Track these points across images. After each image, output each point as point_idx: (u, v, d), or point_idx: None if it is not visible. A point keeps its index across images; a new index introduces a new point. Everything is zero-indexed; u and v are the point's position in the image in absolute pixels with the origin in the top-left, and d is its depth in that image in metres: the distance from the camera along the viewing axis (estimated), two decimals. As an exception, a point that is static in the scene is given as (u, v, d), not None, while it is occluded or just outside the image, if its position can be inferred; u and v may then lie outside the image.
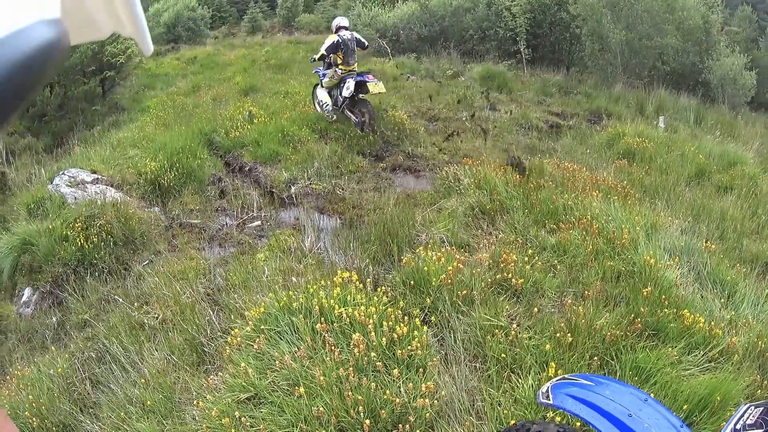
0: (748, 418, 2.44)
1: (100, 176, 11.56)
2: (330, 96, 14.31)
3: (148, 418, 5.61)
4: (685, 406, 4.77)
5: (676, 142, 14.69)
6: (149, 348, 6.64)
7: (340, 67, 13.68)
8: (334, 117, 14.35)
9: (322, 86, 14.48)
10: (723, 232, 9.55)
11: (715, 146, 14.73)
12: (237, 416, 4.91)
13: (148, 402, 5.68)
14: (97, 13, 1.06)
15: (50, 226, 9.48)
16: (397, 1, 31.20)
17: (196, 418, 5.28)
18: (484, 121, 15.92)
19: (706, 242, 8.40)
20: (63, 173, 11.50)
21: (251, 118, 14.88)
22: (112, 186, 11.20)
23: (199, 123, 15.39)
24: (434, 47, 27.80)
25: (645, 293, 6.45)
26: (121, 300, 7.95)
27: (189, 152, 12.65)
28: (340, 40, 13.42)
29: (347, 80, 13.45)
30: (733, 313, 6.81)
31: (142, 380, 6.05)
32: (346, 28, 13.86)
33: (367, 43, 14.67)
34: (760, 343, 6.10)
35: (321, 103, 14.45)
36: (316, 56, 13.98)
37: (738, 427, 2.42)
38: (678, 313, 6.14)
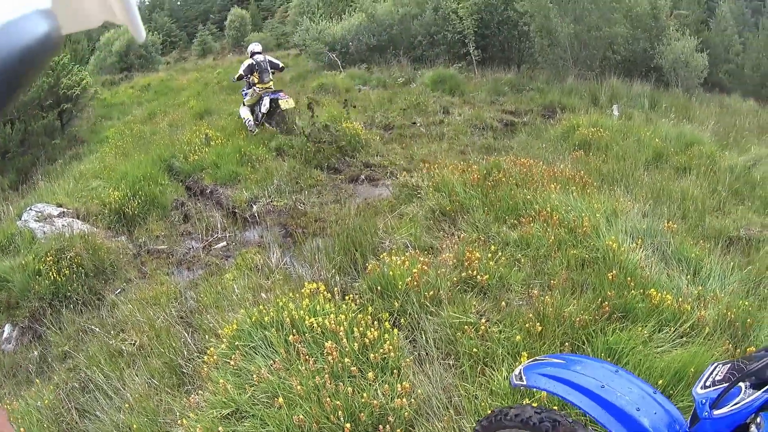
0: (716, 374, 2.50)
1: (65, 209, 11.56)
2: (252, 112, 16.44)
3: (135, 441, 5.65)
4: (660, 381, 4.79)
5: (631, 128, 14.79)
6: (130, 374, 6.64)
7: (257, 86, 15.88)
8: (255, 131, 16.15)
9: (244, 105, 16.66)
10: (684, 211, 9.64)
11: (671, 129, 14.86)
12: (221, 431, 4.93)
13: (134, 426, 5.66)
14: (88, 2, 1.06)
15: (23, 262, 9.50)
16: (344, 14, 31.26)
17: None
18: (438, 125, 16.06)
19: (668, 223, 8.44)
20: (30, 209, 11.49)
21: (208, 141, 14.97)
22: (78, 218, 11.22)
23: (157, 149, 15.39)
24: (384, 56, 27.96)
25: (610, 277, 6.50)
26: (97, 329, 7.93)
27: (150, 179, 12.69)
28: (255, 63, 15.79)
29: (264, 98, 15.74)
30: (700, 288, 6.85)
31: (126, 405, 6.05)
32: (259, 53, 16.22)
33: (281, 64, 17.19)
34: (729, 313, 6.16)
35: (244, 120, 16.39)
36: (236, 76, 16.58)
37: (708, 383, 2.48)
38: (645, 293, 6.19)
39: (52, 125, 21.07)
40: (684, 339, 5.78)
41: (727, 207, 10.25)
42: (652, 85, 22.88)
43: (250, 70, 15.84)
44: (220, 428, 4.97)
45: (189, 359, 6.62)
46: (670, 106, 18.64)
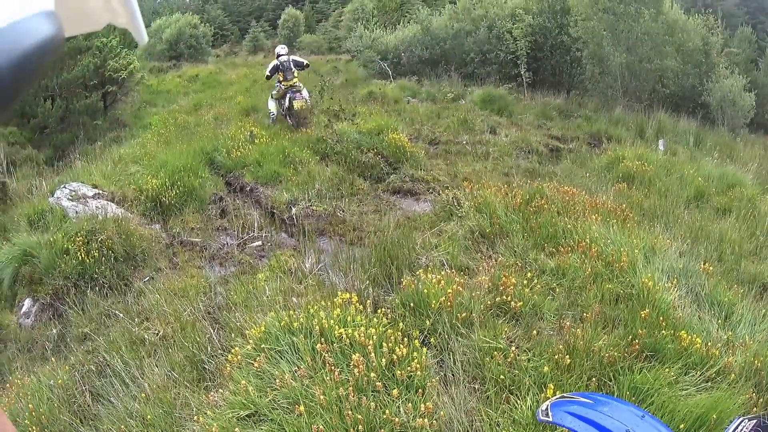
0: (742, 429, 2.46)
1: (101, 191, 11.66)
2: (279, 103, 18.18)
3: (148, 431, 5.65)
4: (682, 425, 4.78)
5: (675, 164, 14.69)
6: (149, 363, 6.65)
7: (282, 83, 17.56)
8: (274, 122, 18.09)
9: (272, 97, 18.46)
10: (721, 253, 9.57)
11: (713, 168, 14.74)
12: None
13: (149, 416, 5.69)
14: (91, 4, 1.08)
15: (51, 239, 9.51)
16: (399, 24, 31.25)
17: None
18: (484, 144, 16.02)
19: (704, 264, 8.38)
20: (64, 186, 11.58)
21: (252, 139, 14.95)
22: (113, 201, 11.28)
23: (200, 142, 15.47)
24: (435, 70, 27.91)
25: (643, 315, 6.45)
26: (121, 315, 7.98)
27: (190, 171, 12.71)
28: (279, 63, 17.54)
29: (288, 95, 17.38)
30: (730, 333, 6.81)
31: (143, 395, 6.07)
32: (284, 54, 17.83)
33: (305, 62, 18.63)
34: (756, 362, 6.11)
35: (269, 111, 18.52)
36: (266, 75, 18.43)
37: None
38: (675, 334, 6.15)
39: (95, 106, 21.35)
40: (709, 384, 5.72)
41: (764, 252, 10.14)
42: (699, 122, 22.74)
43: (275, 69, 17.65)
44: (236, 429, 4.98)
45: (212, 356, 6.64)
46: (715, 145, 18.53)
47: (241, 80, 29.30)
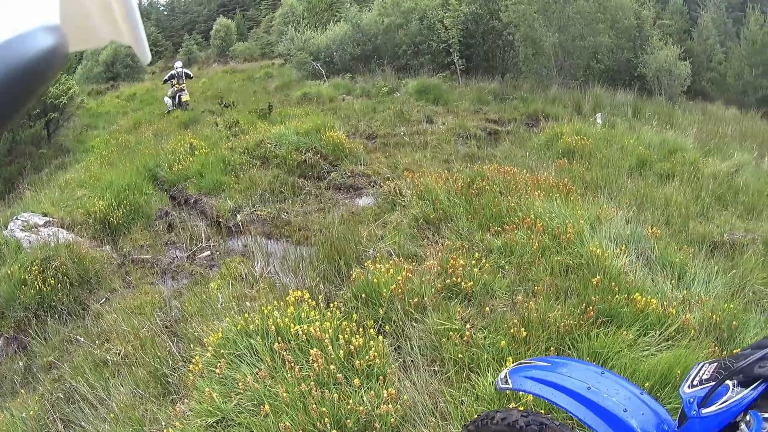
0: (703, 373, 2.48)
1: (51, 219, 11.53)
2: (172, 99, 25.24)
3: (121, 452, 5.60)
4: (646, 384, 4.80)
5: (614, 136, 14.85)
6: (115, 383, 6.57)
7: (175, 85, 24.95)
8: (170, 112, 24.86)
9: (168, 95, 25.73)
10: (668, 217, 9.68)
11: (654, 136, 14.95)
12: None
13: (120, 436, 5.65)
14: (96, 21, 1.07)
15: (9, 272, 9.41)
16: (329, 23, 31.29)
17: None
18: (422, 134, 16.13)
19: (651, 229, 8.51)
20: (16, 218, 11.45)
21: (193, 150, 14.88)
22: (63, 227, 11.17)
23: (142, 159, 15.38)
24: (368, 66, 28.18)
25: (595, 282, 6.55)
26: (82, 339, 7.89)
27: (135, 189, 12.65)
28: (174, 73, 25.04)
29: (177, 94, 24.82)
30: (685, 291, 6.90)
31: (111, 415, 5.97)
32: (179, 67, 25.44)
33: (192, 75, 27.05)
34: (714, 316, 6.21)
35: (166, 103, 25.88)
36: (164, 79, 26.20)
37: (695, 383, 2.46)
38: (630, 298, 6.22)
39: (39, 134, 21.43)
40: (669, 342, 5.79)
41: (710, 213, 10.28)
42: (636, 94, 23.06)
43: (171, 77, 25.20)
44: (206, 437, 4.95)
45: (174, 368, 6.58)
46: (654, 114, 18.74)
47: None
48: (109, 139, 20.63)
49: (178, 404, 5.77)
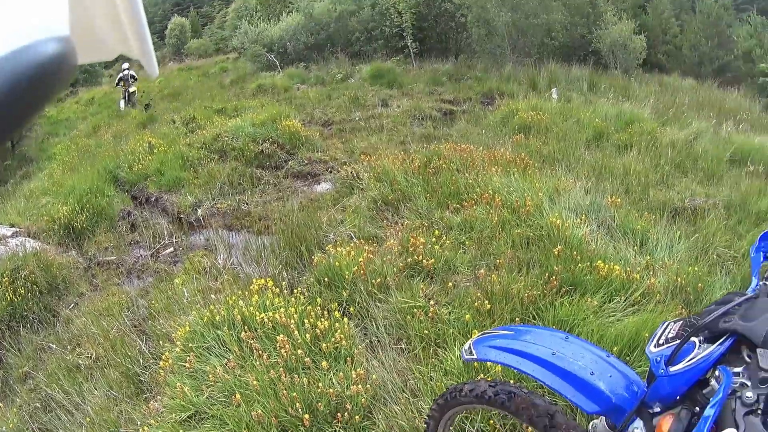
0: (669, 332, 2.49)
1: (18, 229, 11.46)
2: (123, 98, 26.66)
3: (99, 456, 5.57)
4: (614, 348, 4.80)
5: (570, 110, 14.93)
6: (89, 387, 6.50)
7: (123, 86, 26.55)
8: (122, 110, 26.14)
9: (121, 96, 26.93)
10: (628, 186, 9.74)
11: (610, 108, 14.99)
12: None
13: (97, 440, 5.62)
14: (105, 33, 1.07)
15: (-20, 285, 9.29)
16: (282, 15, 31.19)
17: None
18: (377, 118, 16.16)
19: (611, 198, 8.58)
20: (-15, 232, 11.30)
21: (152, 149, 14.83)
22: (30, 236, 11.09)
23: (102, 161, 15.29)
24: (322, 54, 28.22)
25: (556, 252, 6.58)
26: (54, 346, 7.81)
27: (97, 192, 12.59)
28: (122, 75, 26.57)
29: (127, 92, 26.46)
30: (648, 257, 6.96)
31: (87, 419, 5.92)
32: (126, 69, 26.61)
33: (136, 76, 27.11)
34: (679, 280, 6.29)
35: (118, 103, 27.18)
36: (116, 82, 27.83)
37: (661, 341, 2.46)
38: (593, 266, 6.26)
39: (4, 147, 20.94)
40: (635, 307, 5.84)
41: (670, 180, 10.35)
42: (591, 69, 23.22)
43: (120, 80, 26.94)
44: (180, 431, 4.94)
45: (145, 367, 6.53)
46: (609, 87, 18.88)
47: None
48: (70, 144, 20.61)
49: (152, 402, 5.73)
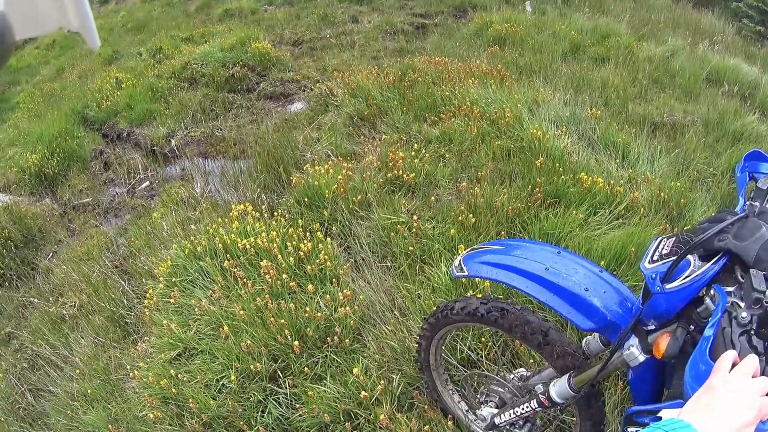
0: (663, 249, 2.44)
1: (-14, 185, 11.28)
2: None
3: (93, 407, 5.43)
4: (602, 262, 4.79)
5: (545, 23, 14.76)
6: (75, 338, 6.44)
7: None
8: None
9: None
10: (606, 99, 9.66)
11: (586, 22, 14.86)
12: (173, 374, 4.82)
13: (89, 391, 5.49)
14: (43, 8, 1.04)
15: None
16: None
17: (137, 389, 5.16)
18: (348, 35, 16.06)
19: (591, 110, 8.54)
20: (-47, 193, 11.13)
21: (119, 84, 14.60)
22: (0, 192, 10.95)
23: (69, 103, 14.99)
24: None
25: (539, 164, 6.56)
26: (36, 300, 7.74)
27: (66, 134, 12.40)
28: None
29: None
30: (630, 170, 6.97)
31: (77, 371, 5.88)
32: None
33: None
34: (662, 194, 6.28)
35: None
36: None
37: (655, 258, 2.42)
38: (576, 178, 6.26)
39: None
40: (620, 221, 5.86)
41: (648, 95, 10.30)
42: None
43: None
44: (171, 371, 4.86)
45: (130, 308, 6.49)
46: (584, 1, 18.70)
47: (98, 32, 28.77)
48: (34, 91, 19.94)
49: (140, 343, 5.68)
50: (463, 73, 9.79)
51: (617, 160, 7.29)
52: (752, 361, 1.62)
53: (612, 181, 6.38)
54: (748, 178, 2.71)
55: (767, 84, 11.27)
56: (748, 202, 2.43)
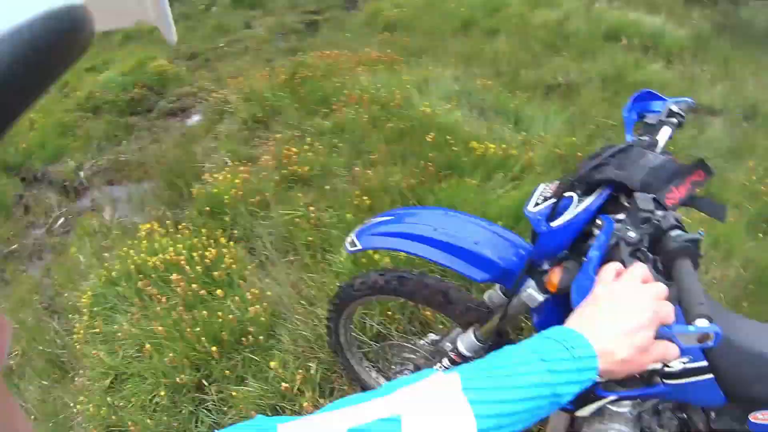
0: (545, 192, 2.53)
1: None
2: None
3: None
4: (500, 223, 4.99)
5: (436, 3, 14.80)
6: (24, 387, 6.45)
7: None
8: None
9: None
10: (498, 69, 9.81)
11: (476, -4, 14.95)
12: (110, 402, 4.91)
13: (40, 437, 5.60)
14: (123, 0, 1.07)
15: None
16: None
17: (83, 424, 5.22)
18: (242, 41, 16.11)
19: (481, 81, 8.69)
20: None
21: (32, 125, 14.38)
22: None
23: (-13, 153, 14.80)
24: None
25: (429, 139, 6.67)
26: (-18, 359, 7.77)
27: (-11, 185, 12.21)
28: None
29: None
30: (524, 133, 7.12)
31: (32, 417, 5.76)
32: None
33: None
34: (557, 150, 6.48)
35: None
36: None
37: (539, 201, 2.52)
38: (468, 147, 6.40)
39: None
40: (516, 182, 6.01)
41: (542, 60, 10.42)
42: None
43: None
44: (108, 399, 4.94)
45: (63, 346, 6.45)
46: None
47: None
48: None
49: (77, 378, 5.70)
50: (352, 62, 9.95)
51: (510, 125, 7.43)
52: (638, 268, 1.63)
53: (504, 146, 6.50)
54: (636, 117, 2.83)
55: (672, 31, 11.54)
56: (636, 138, 2.58)
